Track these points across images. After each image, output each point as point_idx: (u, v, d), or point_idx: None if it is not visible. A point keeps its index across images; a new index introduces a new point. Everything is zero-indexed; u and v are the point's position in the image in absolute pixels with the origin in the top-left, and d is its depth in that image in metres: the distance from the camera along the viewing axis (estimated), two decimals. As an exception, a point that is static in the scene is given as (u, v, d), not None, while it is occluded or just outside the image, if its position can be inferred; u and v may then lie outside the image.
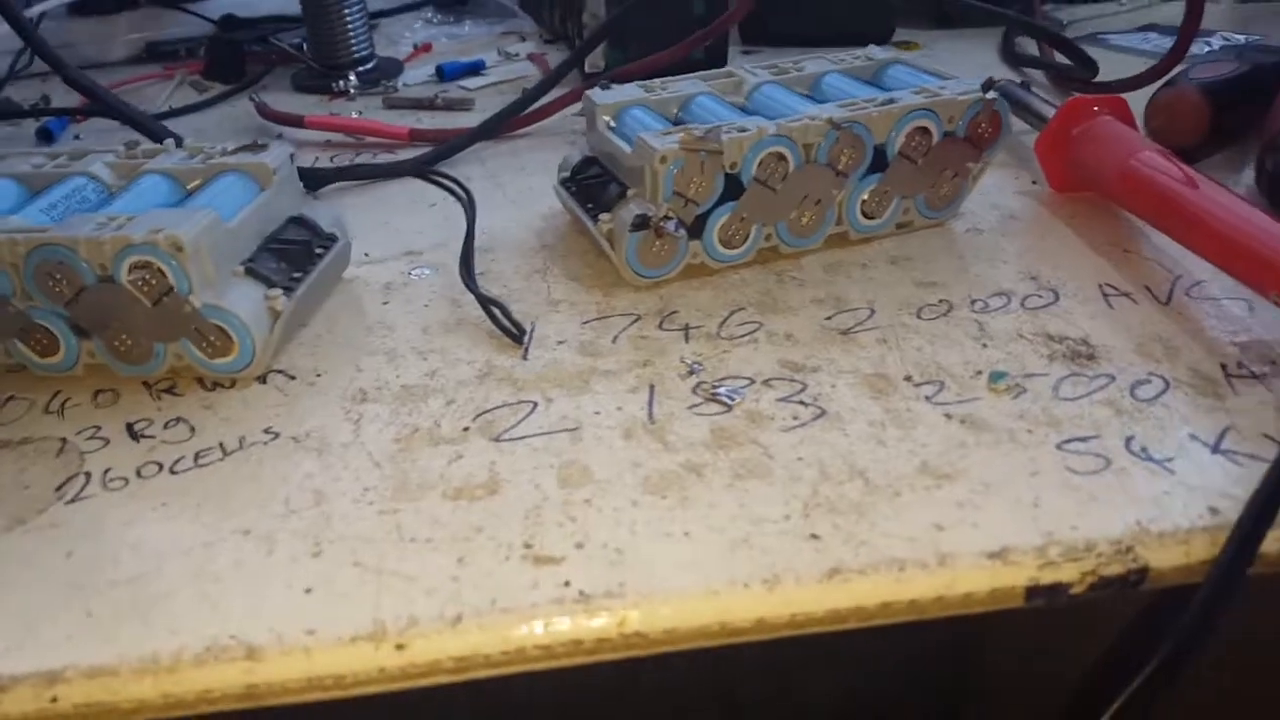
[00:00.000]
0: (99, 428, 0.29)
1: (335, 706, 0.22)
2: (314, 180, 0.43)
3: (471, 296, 0.34)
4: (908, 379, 0.29)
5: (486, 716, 0.39)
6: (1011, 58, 0.56)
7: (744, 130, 0.33)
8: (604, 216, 0.35)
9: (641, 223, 0.34)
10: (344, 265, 0.37)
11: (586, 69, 0.57)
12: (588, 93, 0.39)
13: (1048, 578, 0.23)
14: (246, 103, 0.57)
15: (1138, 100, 0.43)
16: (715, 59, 0.57)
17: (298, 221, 0.35)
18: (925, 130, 0.35)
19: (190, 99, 0.62)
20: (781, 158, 0.34)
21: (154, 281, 0.29)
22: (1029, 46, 0.57)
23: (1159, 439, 0.26)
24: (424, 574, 0.23)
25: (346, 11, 0.60)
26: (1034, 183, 0.41)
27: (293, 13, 0.66)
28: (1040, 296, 0.33)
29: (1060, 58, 0.52)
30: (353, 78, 0.60)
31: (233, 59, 0.65)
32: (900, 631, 0.23)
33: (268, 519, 0.25)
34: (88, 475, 0.27)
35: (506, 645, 0.22)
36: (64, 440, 0.29)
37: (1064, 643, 0.36)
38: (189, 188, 0.35)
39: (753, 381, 0.29)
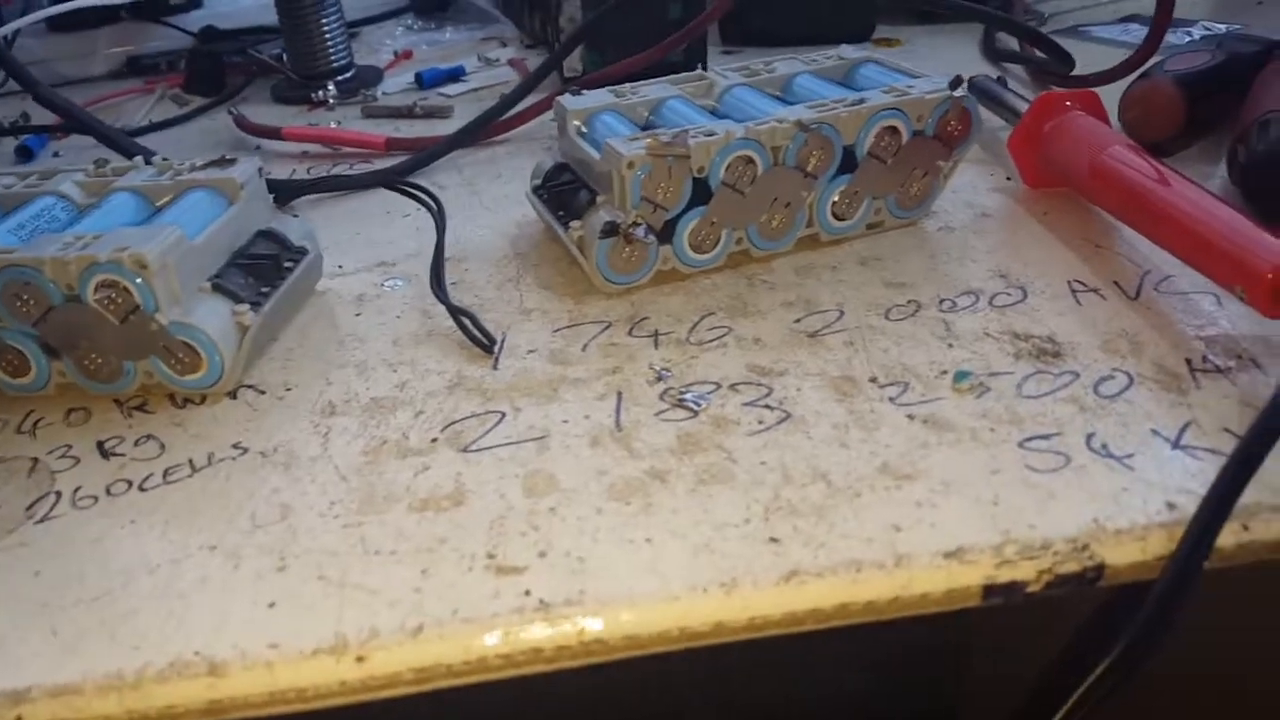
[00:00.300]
0: (70, 446, 0.29)
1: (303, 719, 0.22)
2: (285, 193, 0.43)
3: (443, 307, 0.34)
4: (873, 381, 0.29)
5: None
6: (992, 53, 0.56)
7: (711, 134, 0.33)
8: (574, 224, 0.35)
9: (610, 229, 0.34)
10: (316, 278, 0.37)
11: (565, 73, 0.57)
12: (558, 99, 0.39)
13: (1004, 576, 0.23)
14: (226, 115, 0.58)
15: (1115, 92, 0.43)
16: (694, 60, 0.57)
17: (267, 235, 0.35)
18: (894, 130, 0.35)
19: (171, 113, 0.62)
20: (750, 161, 0.34)
21: (120, 300, 0.30)
22: (1010, 42, 0.57)
23: (1120, 435, 0.26)
24: (387, 586, 0.23)
25: (324, 21, 0.60)
26: (1008, 179, 0.41)
27: (273, 23, 0.66)
28: (1009, 294, 0.33)
29: (1039, 52, 0.52)
30: (331, 87, 0.60)
31: (213, 71, 0.65)
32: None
33: (234, 534, 0.25)
34: (58, 494, 0.27)
35: (467, 655, 0.22)
36: (35, 460, 0.29)
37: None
38: (158, 205, 0.35)
39: (719, 386, 0.30)
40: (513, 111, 0.51)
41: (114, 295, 0.30)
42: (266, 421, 0.30)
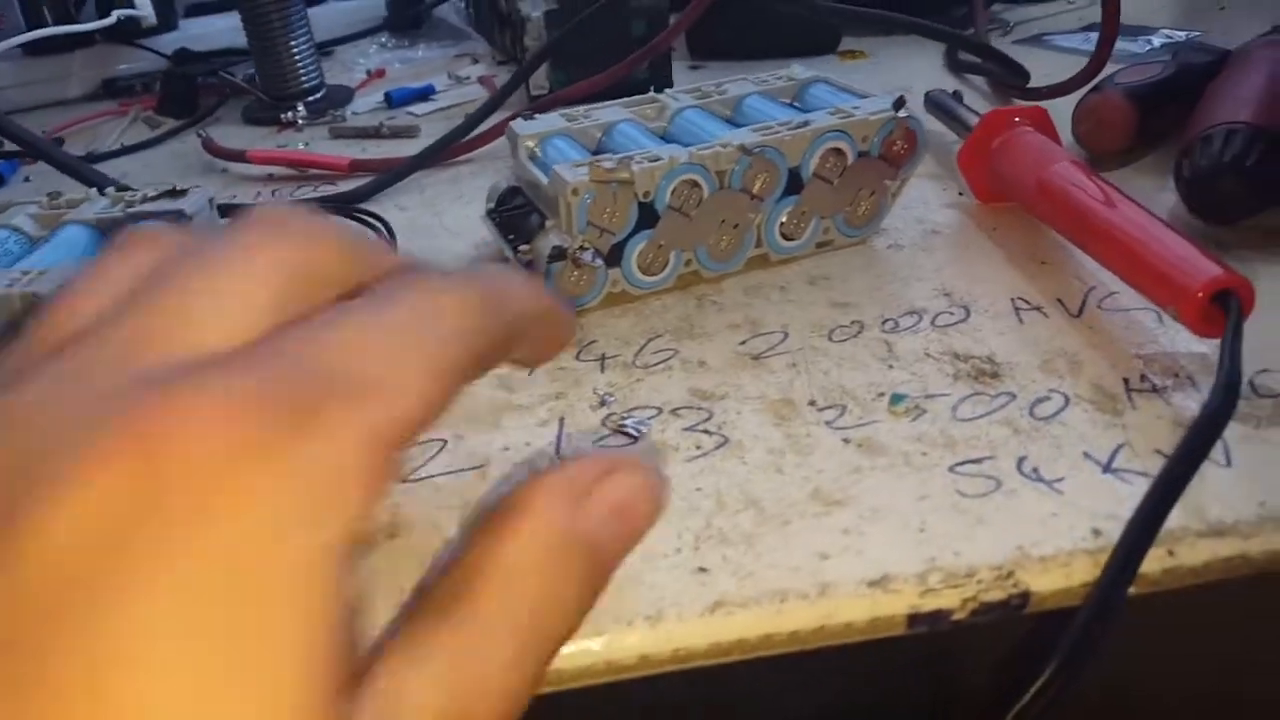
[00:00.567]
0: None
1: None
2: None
3: (392, 333, 0.34)
4: (812, 404, 0.29)
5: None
6: (954, 65, 0.56)
7: (656, 159, 0.33)
8: (524, 248, 0.35)
9: (558, 254, 0.34)
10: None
11: (532, 91, 0.57)
12: (510, 124, 0.39)
13: (929, 605, 0.23)
14: (196, 138, 0.58)
15: (1070, 104, 0.43)
16: (659, 76, 0.57)
17: (218, 265, 0.35)
18: (839, 151, 0.35)
19: (144, 135, 0.62)
20: (695, 185, 0.34)
21: (67, 334, 0.30)
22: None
23: (1052, 459, 0.26)
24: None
25: (292, 43, 0.61)
26: (961, 194, 0.41)
27: (246, 45, 0.66)
28: (951, 314, 0.33)
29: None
30: (301, 108, 0.60)
31: (185, 94, 0.65)
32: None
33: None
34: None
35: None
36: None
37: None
38: (110, 236, 0.35)
39: (661, 411, 0.30)
40: (476, 131, 0.51)
41: (60, 330, 0.30)
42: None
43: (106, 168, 0.58)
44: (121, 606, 0.13)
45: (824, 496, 0.26)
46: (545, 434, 0.29)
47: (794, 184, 0.35)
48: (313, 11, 0.82)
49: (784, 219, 0.36)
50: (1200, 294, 0.27)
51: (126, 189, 0.40)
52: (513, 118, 0.40)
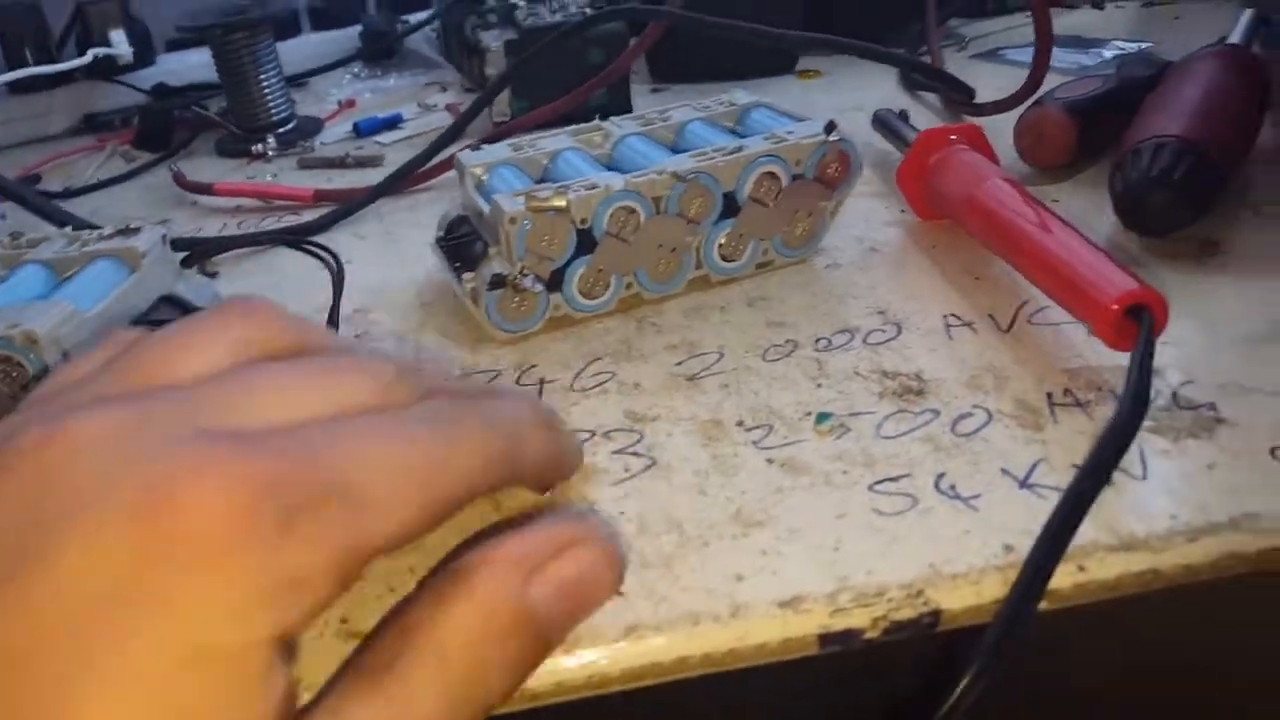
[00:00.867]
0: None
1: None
2: (194, 253, 0.44)
3: (337, 364, 0.35)
4: (740, 424, 0.30)
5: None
6: (908, 82, 0.57)
7: (592, 187, 0.34)
8: (467, 275, 0.36)
9: (498, 281, 0.34)
10: (221, 338, 0.38)
11: (494, 118, 0.58)
12: (457, 155, 0.40)
13: (839, 624, 0.23)
14: (168, 171, 0.59)
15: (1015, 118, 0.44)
16: (619, 101, 0.58)
17: (168, 300, 0.36)
18: (773, 175, 0.36)
19: (120, 169, 0.63)
20: (632, 211, 0.34)
21: (14, 373, 0.31)
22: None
23: (970, 475, 0.26)
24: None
25: (262, 76, 0.62)
26: (903, 211, 0.42)
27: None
28: (884, 331, 0.33)
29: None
30: (271, 140, 0.61)
31: (161, 128, 0.66)
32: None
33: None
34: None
35: None
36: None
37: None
38: (65, 275, 0.36)
39: (593, 434, 0.30)
40: (436, 160, 0.52)
41: (8, 369, 0.30)
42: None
43: (82, 202, 0.59)
44: (86, 686, 0.15)
45: (745, 517, 0.26)
46: (480, 461, 0.30)
47: (730, 208, 0.36)
48: (289, 43, 0.84)
49: (722, 241, 0.36)
50: (1114, 308, 0.27)
51: (84, 227, 0.41)
52: (466, 148, 0.41)
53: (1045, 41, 0.42)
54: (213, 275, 0.45)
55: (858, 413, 0.29)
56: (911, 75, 0.56)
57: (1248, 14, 0.47)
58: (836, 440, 0.28)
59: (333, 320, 0.36)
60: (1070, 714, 0.30)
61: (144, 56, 0.81)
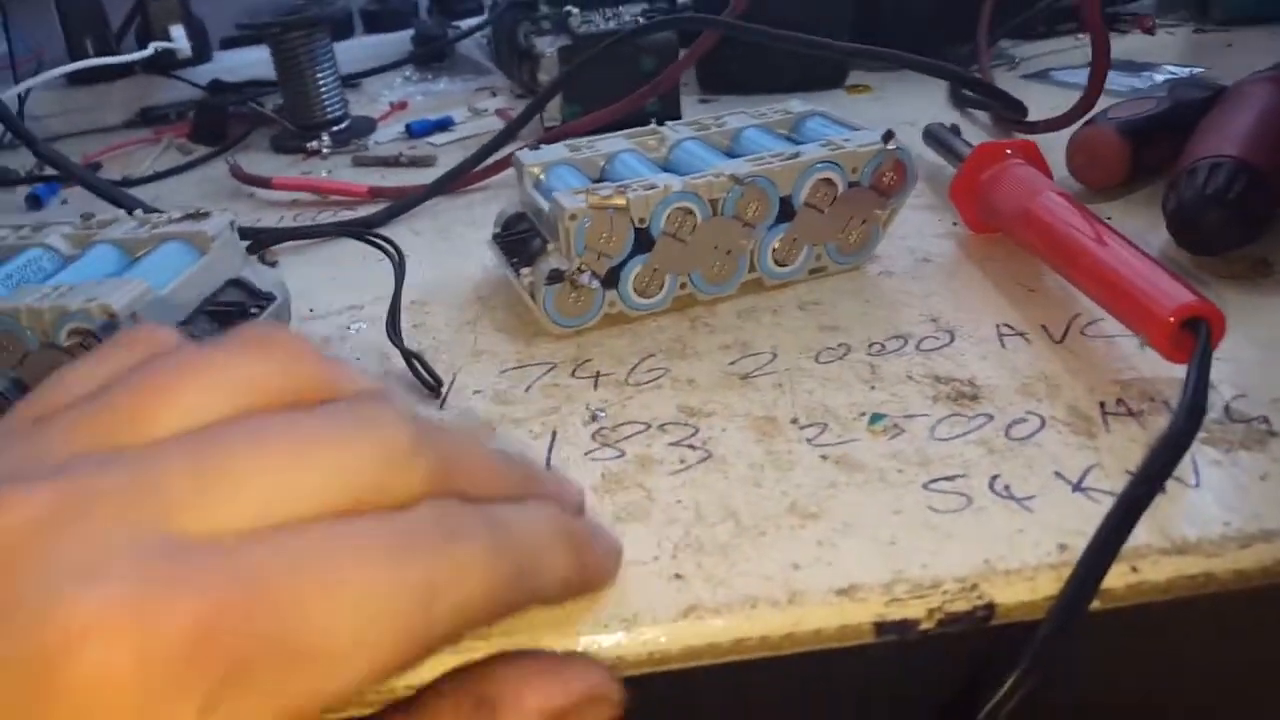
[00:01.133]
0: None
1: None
2: (258, 241, 0.45)
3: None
4: (794, 422, 0.30)
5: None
6: (958, 99, 0.57)
7: (651, 187, 0.35)
8: (525, 270, 0.37)
9: (556, 276, 0.35)
10: (285, 322, 0.39)
11: (545, 123, 0.59)
12: (516, 154, 0.41)
13: (895, 614, 0.23)
14: (225, 164, 0.60)
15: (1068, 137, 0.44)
16: (669, 110, 0.59)
17: (236, 284, 0.37)
18: (830, 181, 0.36)
19: (175, 161, 0.65)
20: (689, 212, 0.35)
21: (90, 346, 0.31)
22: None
23: (1024, 478, 0.27)
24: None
25: (319, 75, 0.63)
26: (955, 224, 0.42)
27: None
28: (936, 338, 0.34)
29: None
30: (326, 138, 0.63)
31: (217, 122, 0.68)
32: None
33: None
34: None
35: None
36: None
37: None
38: (136, 256, 0.37)
39: (649, 427, 0.31)
40: (489, 161, 0.53)
41: (85, 342, 0.31)
42: (218, 462, 0.31)
43: (140, 192, 0.60)
44: None
45: (800, 510, 0.26)
46: (537, 446, 0.30)
47: (786, 212, 0.37)
48: (342, 45, 0.86)
49: (776, 245, 0.37)
50: (1170, 319, 0.28)
51: (154, 211, 0.42)
52: (523, 148, 0.42)
53: (1101, 60, 0.43)
54: (273, 264, 0.46)
55: (912, 415, 0.30)
56: (962, 91, 0.56)
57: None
58: (890, 440, 0.29)
59: (394, 308, 0.37)
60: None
61: (201, 52, 0.84)
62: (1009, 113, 0.50)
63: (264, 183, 0.55)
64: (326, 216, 0.53)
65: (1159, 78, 0.57)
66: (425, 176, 0.55)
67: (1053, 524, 0.25)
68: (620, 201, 0.34)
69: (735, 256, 0.37)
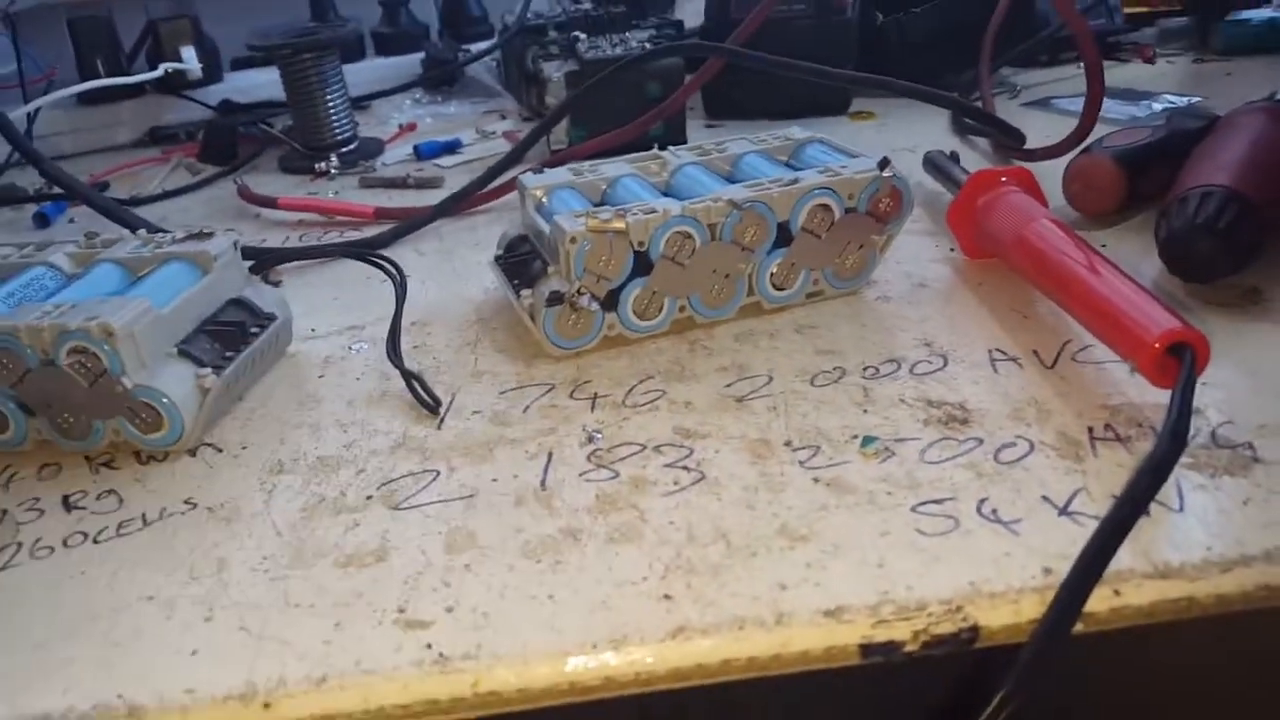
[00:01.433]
0: (38, 499, 0.31)
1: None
2: (261, 261, 0.46)
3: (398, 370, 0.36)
4: (787, 444, 0.30)
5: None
6: (959, 126, 0.58)
7: (651, 211, 0.35)
8: (525, 292, 0.37)
9: (556, 298, 0.36)
10: (286, 341, 0.39)
11: (552, 146, 0.60)
12: (519, 177, 0.41)
13: (881, 635, 0.24)
14: (232, 184, 0.61)
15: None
16: (674, 134, 0.59)
17: (237, 304, 0.38)
18: (827, 207, 0.37)
19: (184, 181, 0.66)
20: (688, 236, 0.36)
21: (90, 364, 0.32)
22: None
23: (1011, 501, 0.27)
24: (300, 638, 0.25)
25: (329, 97, 0.64)
26: (952, 250, 0.43)
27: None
28: (930, 362, 0.34)
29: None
30: (334, 159, 0.63)
31: (226, 142, 0.69)
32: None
33: (171, 585, 0.27)
34: (19, 545, 0.29)
35: (367, 705, 0.23)
36: (4, 511, 0.31)
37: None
38: (139, 275, 0.37)
39: (644, 448, 0.31)
40: (495, 183, 0.53)
41: (84, 360, 0.32)
42: (219, 478, 0.32)
43: (148, 211, 0.61)
44: None
45: (790, 532, 0.27)
46: (533, 467, 0.31)
47: (783, 237, 0.37)
48: (353, 67, 0.87)
49: (774, 270, 0.38)
50: (1156, 345, 0.28)
51: (158, 230, 0.43)
52: (527, 171, 0.42)
53: (1096, 89, 0.43)
54: (276, 284, 0.47)
55: (903, 438, 0.30)
56: (962, 119, 0.57)
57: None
58: (881, 463, 0.29)
59: (395, 328, 0.38)
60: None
61: (211, 73, 0.84)
62: (1007, 140, 0.51)
63: (270, 203, 0.56)
64: (332, 237, 0.53)
65: (1158, 106, 0.58)
66: (432, 198, 0.56)
67: (1038, 547, 0.25)
68: (620, 225, 0.35)
69: (733, 280, 0.37)
